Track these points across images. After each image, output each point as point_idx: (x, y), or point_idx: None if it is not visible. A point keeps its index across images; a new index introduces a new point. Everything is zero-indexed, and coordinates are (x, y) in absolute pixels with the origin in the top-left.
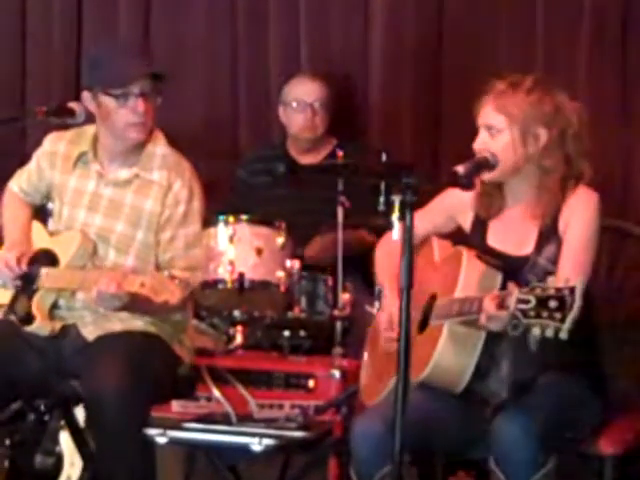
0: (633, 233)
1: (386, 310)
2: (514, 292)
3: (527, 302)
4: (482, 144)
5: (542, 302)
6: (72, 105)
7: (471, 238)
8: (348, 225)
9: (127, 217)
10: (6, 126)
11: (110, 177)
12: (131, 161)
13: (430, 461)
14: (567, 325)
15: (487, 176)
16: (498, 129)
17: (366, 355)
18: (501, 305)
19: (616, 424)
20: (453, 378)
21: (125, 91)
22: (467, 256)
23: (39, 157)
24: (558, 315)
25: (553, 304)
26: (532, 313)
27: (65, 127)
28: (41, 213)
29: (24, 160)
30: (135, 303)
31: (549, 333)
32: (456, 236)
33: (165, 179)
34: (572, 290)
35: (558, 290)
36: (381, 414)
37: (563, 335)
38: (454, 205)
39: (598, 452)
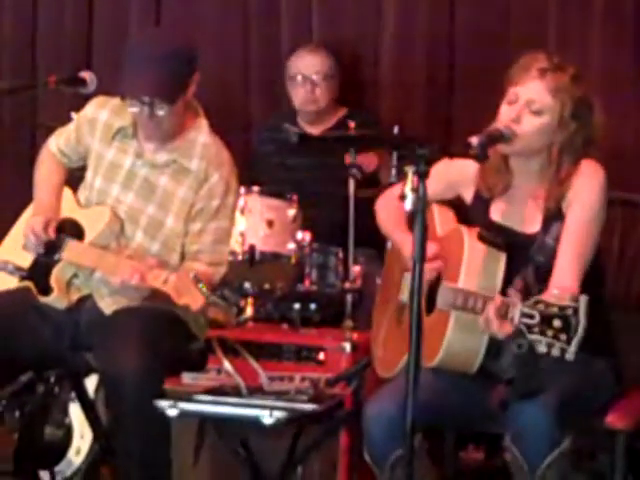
0: None
1: (406, 244)
2: (517, 304)
3: (531, 317)
4: (517, 115)
5: (546, 319)
6: (84, 74)
7: (473, 211)
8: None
9: (159, 200)
10: (17, 95)
11: (148, 158)
12: (170, 145)
13: (441, 435)
14: (573, 348)
15: (506, 149)
16: (540, 109)
17: (376, 326)
18: (504, 314)
19: (628, 399)
20: (464, 363)
21: (133, 97)
22: (469, 239)
23: (80, 120)
24: (563, 337)
25: (557, 324)
26: (536, 329)
27: (77, 96)
28: (73, 178)
29: (35, 129)
30: (155, 298)
31: (555, 352)
32: (457, 204)
33: (203, 170)
34: (576, 311)
35: (561, 309)
36: (393, 396)
37: (569, 357)
38: (456, 176)
39: (610, 427)
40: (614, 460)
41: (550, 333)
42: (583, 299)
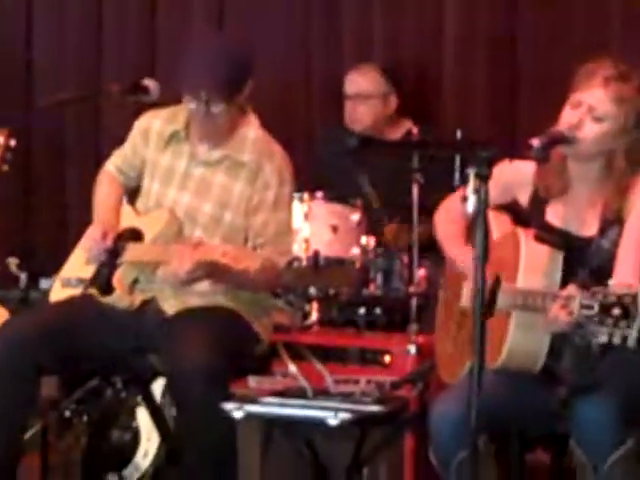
0: None
1: (459, 262)
2: (577, 296)
3: (590, 308)
4: (578, 121)
5: (605, 308)
6: (146, 82)
7: (529, 213)
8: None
9: (216, 198)
10: (81, 105)
11: (201, 157)
12: (223, 142)
13: (508, 438)
14: (634, 334)
15: (567, 151)
16: (602, 117)
17: (438, 333)
18: (564, 307)
19: None
20: (528, 362)
21: (191, 93)
22: (525, 240)
23: (134, 134)
24: (623, 324)
25: (616, 312)
26: (596, 319)
27: (140, 105)
28: (133, 195)
29: (99, 136)
30: (216, 271)
31: (616, 340)
32: (513, 207)
33: (255, 161)
34: (634, 297)
35: (620, 297)
36: (459, 397)
37: (631, 343)
38: (512, 179)
39: None
40: None
41: (610, 321)
42: None
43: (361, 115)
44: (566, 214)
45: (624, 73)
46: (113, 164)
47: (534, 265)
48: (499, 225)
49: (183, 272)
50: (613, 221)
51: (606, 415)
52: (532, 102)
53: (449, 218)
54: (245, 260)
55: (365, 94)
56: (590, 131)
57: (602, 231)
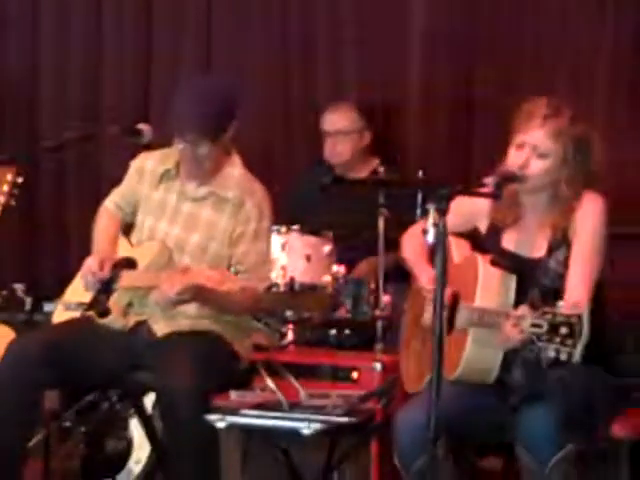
0: None
1: (423, 275)
2: (527, 316)
3: (540, 326)
4: (525, 161)
5: (553, 327)
6: (140, 126)
7: (486, 240)
8: (391, 248)
9: (203, 230)
10: (83, 144)
11: (189, 194)
12: (209, 180)
13: (464, 444)
14: (578, 351)
15: (518, 188)
16: (545, 153)
17: (404, 345)
18: (516, 325)
19: (630, 410)
20: (483, 374)
21: (180, 136)
22: (482, 264)
23: (131, 172)
24: (569, 342)
25: (564, 330)
26: (545, 337)
27: (135, 147)
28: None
29: (99, 175)
30: (202, 293)
31: (563, 357)
32: (472, 234)
33: (238, 197)
34: (580, 317)
35: (567, 317)
36: (420, 406)
37: (576, 359)
38: (472, 210)
39: (613, 437)
40: (618, 470)
41: (557, 339)
42: (586, 308)
43: (341, 150)
44: (519, 240)
45: (556, 108)
46: (111, 201)
47: (490, 286)
48: (459, 249)
49: (172, 293)
50: (560, 242)
51: (549, 422)
52: (487, 143)
53: (414, 240)
54: (227, 282)
55: (344, 131)
56: (536, 167)
57: (550, 252)
